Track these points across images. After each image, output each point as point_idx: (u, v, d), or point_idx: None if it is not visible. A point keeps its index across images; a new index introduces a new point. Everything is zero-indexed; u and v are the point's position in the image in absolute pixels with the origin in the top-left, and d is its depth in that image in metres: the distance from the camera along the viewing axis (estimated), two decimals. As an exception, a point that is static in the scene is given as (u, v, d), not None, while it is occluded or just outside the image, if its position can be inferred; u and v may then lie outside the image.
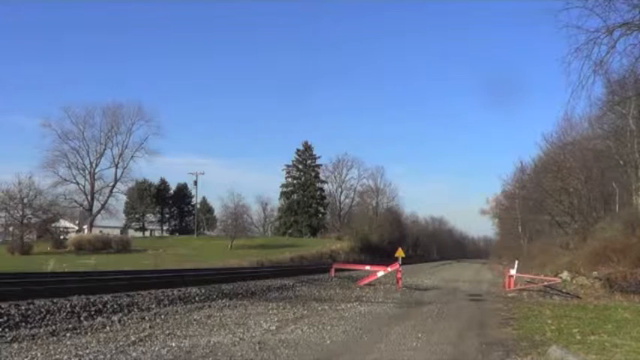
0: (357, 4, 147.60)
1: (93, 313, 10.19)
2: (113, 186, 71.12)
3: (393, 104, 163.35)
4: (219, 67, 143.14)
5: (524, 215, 54.76)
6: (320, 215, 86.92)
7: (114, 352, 7.16)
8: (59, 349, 7.19)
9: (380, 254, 64.60)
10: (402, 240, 73.68)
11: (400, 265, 23.07)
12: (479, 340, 9.12)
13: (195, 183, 76.64)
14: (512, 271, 22.20)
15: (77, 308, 10.11)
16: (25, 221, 49.17)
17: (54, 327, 8.79)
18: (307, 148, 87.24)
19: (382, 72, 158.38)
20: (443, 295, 19.34)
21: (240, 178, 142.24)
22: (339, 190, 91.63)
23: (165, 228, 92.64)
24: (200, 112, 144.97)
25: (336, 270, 25.80)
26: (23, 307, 9.34)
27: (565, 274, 23.99)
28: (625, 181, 30.24)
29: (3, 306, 9.14)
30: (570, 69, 19.07)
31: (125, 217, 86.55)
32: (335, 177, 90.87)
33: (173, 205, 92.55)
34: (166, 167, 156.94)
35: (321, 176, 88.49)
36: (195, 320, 10.37)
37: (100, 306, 10.65)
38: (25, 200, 48.84)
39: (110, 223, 77.25)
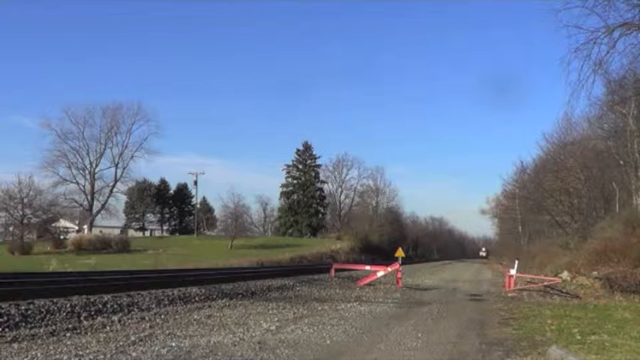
0: (357, 4, 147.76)
1: (93, 313, 10.18)
2: (113, 186, 71.37)
3: (393, 104, 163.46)
4: (219, 66, 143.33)
5: (524, 215, 54.76)
6: (320, 215, 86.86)
7: (114, 352, 7.16)
8: (59, 349, 7.19)
9: (380, 254, 64.60)
10: (402, 240, 73.74)
11: (400, 265, 23.10)
12: (479, 340, 9.12)
13: (195, 183, 76.69)
14: (512, 271, 22.21)
15: (77, 308, 10.11)
16: (25, 221, 49.32)
17: (54, 327, 8.79)
18: (307, 148, 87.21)
19: (382, 72, 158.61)
20: (443, 295, 19.33)
21: (240, 178, 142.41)
22: (339, 190, 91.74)
23: (165, 228, 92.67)
24: (200, 111, 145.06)
25: (336, 270, 25.80)
26: (23, 307, 9.34)
27: (565, 274, 24.00)
28: (625, 181, 30.23)
29: (3, 306, 9.13)
30: (570, 69, 19.13)
31: (125, 217, 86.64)
32: (335, 177, 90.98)
33: (173, 205, 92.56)
34: (166, 167, 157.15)
35: (321, 176, 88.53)
36: (195, 320, 10.37)
37: (100, 306, 10.65)
38: (25, 200, 49.00)
39: (110, 223, 77.47)
